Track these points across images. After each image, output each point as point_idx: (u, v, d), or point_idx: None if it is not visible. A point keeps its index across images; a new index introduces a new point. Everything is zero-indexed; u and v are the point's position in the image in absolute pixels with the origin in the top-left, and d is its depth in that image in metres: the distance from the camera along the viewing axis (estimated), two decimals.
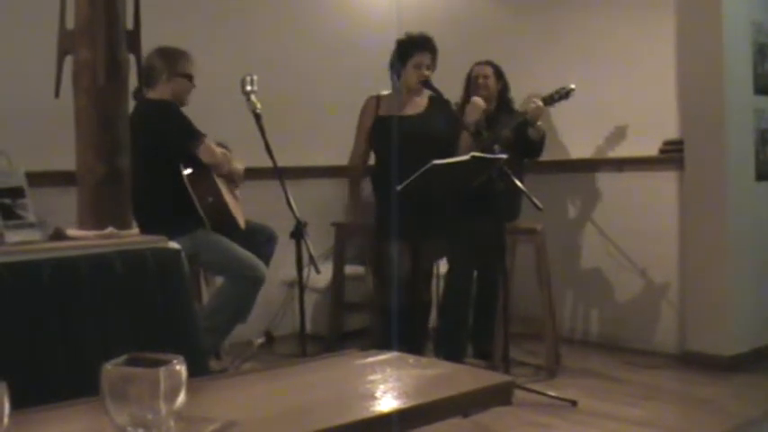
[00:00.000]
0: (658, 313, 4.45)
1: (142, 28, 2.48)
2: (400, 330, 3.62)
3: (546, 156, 4.33)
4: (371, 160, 4.14)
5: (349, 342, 4.40)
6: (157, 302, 2.28)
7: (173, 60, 3.57)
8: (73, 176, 2.43)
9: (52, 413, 1.48)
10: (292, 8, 4.82)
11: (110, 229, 2.32)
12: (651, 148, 4.43)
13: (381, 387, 1.64)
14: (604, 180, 4.69)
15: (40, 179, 2.68)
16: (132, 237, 2.38)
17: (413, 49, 3.90)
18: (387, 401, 1.54)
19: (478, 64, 4.38)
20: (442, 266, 4.12)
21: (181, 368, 1.32)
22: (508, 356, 3.60)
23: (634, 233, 4.52)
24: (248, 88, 3.32)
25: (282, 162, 3.25)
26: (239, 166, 3.76)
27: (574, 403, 3.45)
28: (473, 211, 3.87)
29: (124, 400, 1.27)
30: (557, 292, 4.31)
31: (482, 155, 3.44)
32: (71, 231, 2.34)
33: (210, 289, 3.87)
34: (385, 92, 4.04)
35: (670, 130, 4.36)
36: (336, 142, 4.47)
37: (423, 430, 1.54)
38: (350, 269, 4.64)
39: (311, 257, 3.18)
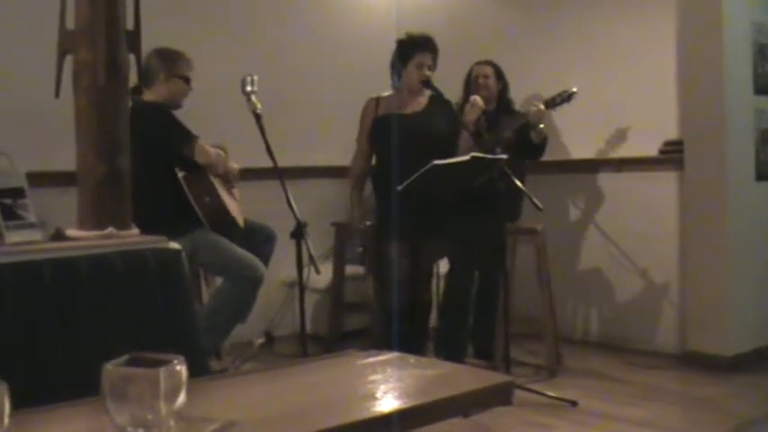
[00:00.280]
0: (659, 313, 4.45)
1: (142, 28, 2.48)
2: (400, 330, 3.62)
3: (546, 156, 4.32)
4: (372, 161, 4.13)
5: (349, 342, 4.40)
6: (157, 302, 2.27)
7: (170, 62, 3.57)
8: (73, 176, 2.43)
9: (52, 413, 1.48)
10: (292, 8, 4.83)
11: (110, 230, 2.32)
12: (651, 149, 4.43)
13: (382, 387, 1.64)
14: (605, 180, 4.69)
15: (40, 179, 2.69)
16: (132, 237, 2.38)
17: (414, 50, 3.88)
18: (387, 402, 1.54)
19: (478, 64, 4.37)
20: (443, 266, 4.11)
21: (181, 368, 1.32)
22: (508, 356, 3.60)
23: (634, 233, 4.52)
24: (248, 88, 3.31)
25: (282, 162, 3.24)
26: (234, 165, 3.76)
27: (574, 403, 3.45)
28: (474, 211, 3.87)
29: (124, 401, 1.28)
30: (557, 292, 4.31)
31: (482, 155, 3.44)
32: (71, 231, 2.34)
33: (210, 289, 3.87)
34: (385, 93, 4.03)
35: (670, 130, 4.36)
36: (336, 142, 4.48)
37: (423, 430, 1.54)
38: (350, 269, 4.63)
39: (311, 257, 3.18)
